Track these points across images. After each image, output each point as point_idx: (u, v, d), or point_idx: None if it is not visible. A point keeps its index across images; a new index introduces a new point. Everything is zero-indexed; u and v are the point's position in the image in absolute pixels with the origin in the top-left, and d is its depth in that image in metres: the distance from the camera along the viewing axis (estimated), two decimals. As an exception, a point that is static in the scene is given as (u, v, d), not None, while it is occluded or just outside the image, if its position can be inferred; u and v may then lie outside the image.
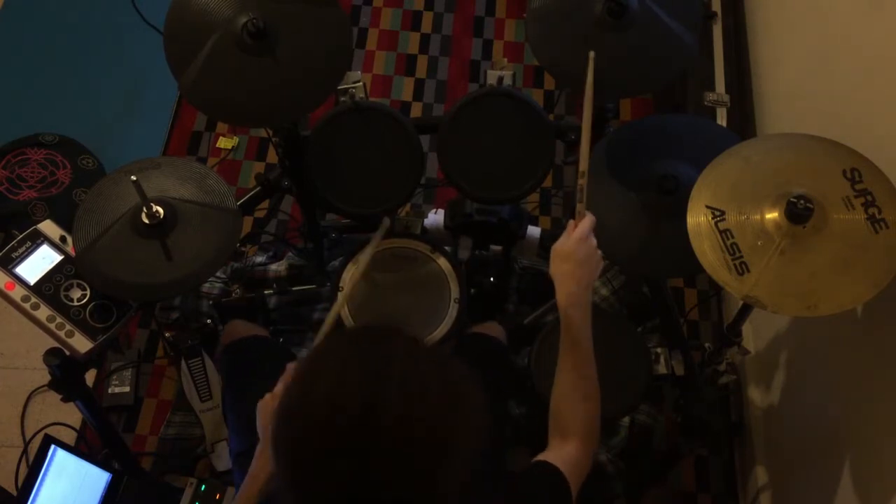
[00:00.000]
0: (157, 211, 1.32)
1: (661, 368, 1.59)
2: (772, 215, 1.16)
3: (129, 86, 2.50)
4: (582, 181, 1.21)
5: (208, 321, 2.02)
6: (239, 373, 1.56)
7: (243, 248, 2.18)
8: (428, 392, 0.79)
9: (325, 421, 0.77)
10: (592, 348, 1.16)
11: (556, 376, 1.16)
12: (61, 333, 1.32)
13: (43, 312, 1.32)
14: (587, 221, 1.18)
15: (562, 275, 1.15)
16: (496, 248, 1.96)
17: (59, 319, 1.32)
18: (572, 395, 1.14)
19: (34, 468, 1.62)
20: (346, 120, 1.57)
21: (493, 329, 1.63)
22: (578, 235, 1.16)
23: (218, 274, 2.09)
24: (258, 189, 1.72)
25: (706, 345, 1.62)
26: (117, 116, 2.45)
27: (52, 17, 2.64)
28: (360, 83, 1.57)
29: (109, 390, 1.99)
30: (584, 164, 1.22)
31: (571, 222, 1.20)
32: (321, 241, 2.00)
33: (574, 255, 1.15)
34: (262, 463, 1.16)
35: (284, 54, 1.34)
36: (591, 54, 1.25)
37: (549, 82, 2.53)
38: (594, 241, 1.18)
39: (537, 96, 2.51)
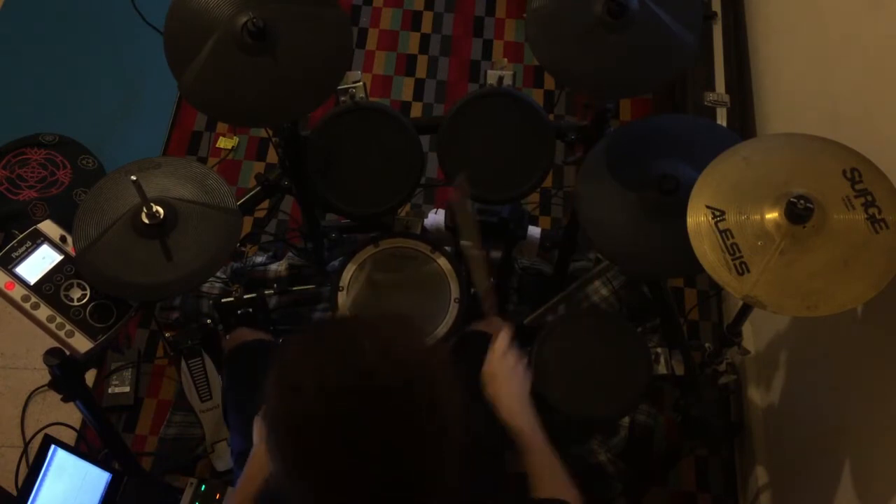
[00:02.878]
0: (157, 211, 1.32)
1: (661, 368, 1.59)
2: (772, 215, 1.16)
3: (129, 86, 2.50)
4: (484, 290, 1.25)
5: (208, 321, 2.02)
6: (242, 374, 1.57)
7: (243, 248, 2.18)
8: (400, 351, 0.83)
9: (318, 404, 0.80)
10: (549, 447, 1.17)
11: (528, 477, 1.17)
12: (61, 333, 1.32)
13: (43, 312, 1.32)
14: (502, 336, 1.21)
15: (495, 395, 1.19)
16: (496, 248, 1.96)
17: (59, 319, 1.32)
18: (550, 485, 1.15)
19: (34, 468, 1.62)
20: (346, 120, 1.57)
21: (496, 325, 1.62)
22: (496, 354, 1.20)
23: (218, 274, 2.09)
24: (258, 189, 1.72)
25: (706, 345, 1.62)
26: (117, 116, 2.45)
27: (52, 17, 2.64)
28: (360, 83, 1.57)
29: (109, 390, 1.99)
30: (479, 278, 1.26)
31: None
32: (321, 241, 2.00)
33: (498, 374, 1.19)
34: (259, 464, 1.18)
35: (284, 54, 1.34)
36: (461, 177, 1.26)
37: (549, 82, 2.53)
38: (514, 353, 1.21)
39: (537, 96, 2.51)
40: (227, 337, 1.66)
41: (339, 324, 0.93)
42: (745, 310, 1.42)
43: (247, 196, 1.71)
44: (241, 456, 1.44)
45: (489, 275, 1.26)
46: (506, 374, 1.19)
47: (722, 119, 2.01)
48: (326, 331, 0.89)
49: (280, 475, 0.85)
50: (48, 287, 1.34)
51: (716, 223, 1.18)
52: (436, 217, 1.86)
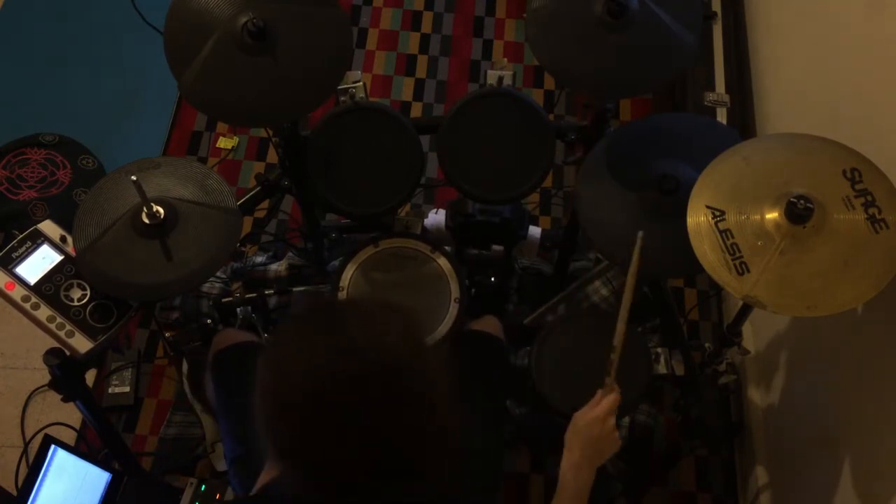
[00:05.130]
0: (157, 211, 1.32)
1: (661, 368, 1.59)
2: (772, 215, 1.16)
3: (129, 86, 2.50)
4: (614, 356, 1.20)
5: (208, 321, 2.01)
6: (230, 379, 1.55)
7: (243, 248, 2.18)
8: (388, 335, 0.83)
9: (305, 384, 0.80)
10: None
11: None
12: (61, 333, 1.32)
13: (43, 312, 1.32)
14: (610, 400, 1.16)
15: (571, 444, 1.16)
16: (497, 247, 1.96)
17: (59, 319, 1.32)
18: None
19: (34, 468, 1.62)
20: (346, 120, 1.57)
21: (490, 324, 1.62)
22: (596, 414, 1.15)
23: (218, 274, 2.09)
24: (258, 189, 1.72)
25: (706, 345, 1.62)
26: (117, 116, 2.45)
27: (52, 17, 2.64)
28: (360, 83, 1.57)
29: (109, 390, 1.99)
30: (618, 340, 1.20)
31: (599, 392, 1.18)
32: (321, 241, 2.00)
33: (585, 431, 1.15)
34: None
35: (284, 54, 1.34)
36: (640, 234, 1.21)
37: (549, 82, 2.53)
38: (612, 422, 1.16)
39: (537, 96, 2.51)
40: (213, 340, 1.64)
41: (333, 307, 0.93)
42: (745, 310, 1.42)
43: (247, 196, 1.71)
44: (234, 461, 1.43)
45: (622, 342, 1.20)
46: (594, 436, 1.15)
47: (722, 119, 2.01)
48: (317, 312, 0.89)
49: (273, 457, 0.85)
50: (48, 287, 1.34)
51: (716, 223, 1.18)
52: (436, 217, 1.86)
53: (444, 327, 1.51)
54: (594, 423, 1.15)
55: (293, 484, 0.87)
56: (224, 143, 2.40)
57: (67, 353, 1.34)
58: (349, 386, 0.79)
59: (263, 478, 1.17)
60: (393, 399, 0.81)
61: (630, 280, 1.20)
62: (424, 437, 0.84)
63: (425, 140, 1.64)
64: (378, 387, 0.80)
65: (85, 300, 1.35)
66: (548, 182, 1.86)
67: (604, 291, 2.05)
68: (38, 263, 1.35)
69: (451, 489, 0.90)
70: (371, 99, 1.61)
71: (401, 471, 0.83)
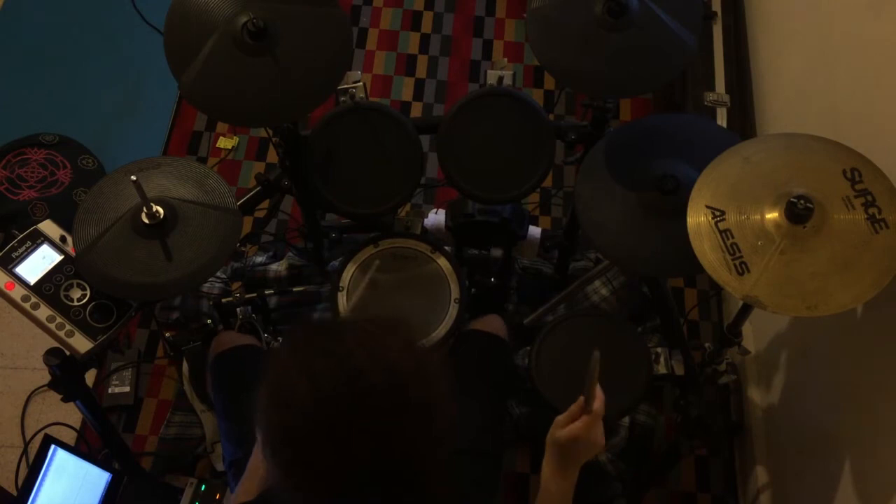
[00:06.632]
0: (157, 211, 1.32)
1: (661, 368, 1.59)
2: (772, 215, 1.16)
3: (129, 86, 2.50)
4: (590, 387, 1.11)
5: (208, 321, 2.01)
6: (230, 381, 1.55)
7: (243, 248, 2.18)
8: (390, 352, 0.84)
9: (311, 408, 0.81)
10: None
11: None
12: (61, 333, 1.32)
13: (43, 312, 1.32)
14: (589, 419, 1.10)
15: (550, 452, 1.12)
16: (497, 248, 1.96)
17: (59, 319, 1.32)
18: None
19: (34, 468, 1.62)
20: (346, 120, 1.57)
21: (494, 324, 1.61)
22: (576, 431, 1.10)
23: (218, 274, 2.09)
24: (258, 189, 1.72)
25: (706, 345, 1.62)
26: (117, 116, 2.45)
27: (52, 17, 2.64)
28: (360, 83, 1.57)
29: (109, 390, 1.99)
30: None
31: (579, 402, 1.12)
32: (321, 241, 2.00)
33: (566, 446, 1.11)
34: (260, 460, 1.18)
35: (284, 54, 1.34)
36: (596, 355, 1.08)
37: (549, 82, 2.53)
38: (595, 434, 1.11)
39: (537, 96, 2.51)
40: (213, 342, 1.63)
41: (330, 328, 0.93)
42: (745, 310, 1.42)
43: (247, 196, 1.71)
44: (233, 464, 1.43)
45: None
46: (587, 439, 1.11)
47: (722, 119, 2.01)
48: (317, 335, 0.89)
49: (276, 480, 0.85)
50: (48, 287, 1.34)
51: (716, 223, 1.18)
52: (436, 217, 1.86)
53: (443, 328, 1.51)
54: (574, 437, 1.10)
55: (292, 488, 0.87)
56: (224, 143, 2.40)
57: (67, 353, 1.34)
58: (352, 401, 0.80)
59: (257, 480, 1.17)
60: (395, 411, 0.81)
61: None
62: (425, 444, 0.84)
63: (425, 140, 1.64)
64: (381, 402, 0.81)
65: (85, 300, 1.35)
66: (548, 182, 1.86)
67: (604, 291, 2.05)
68: (38, 263, 1.35)
69: (450, 491, 0.90)
70: (371, 99, 1.61)
71: (401, 475, 0.83)
